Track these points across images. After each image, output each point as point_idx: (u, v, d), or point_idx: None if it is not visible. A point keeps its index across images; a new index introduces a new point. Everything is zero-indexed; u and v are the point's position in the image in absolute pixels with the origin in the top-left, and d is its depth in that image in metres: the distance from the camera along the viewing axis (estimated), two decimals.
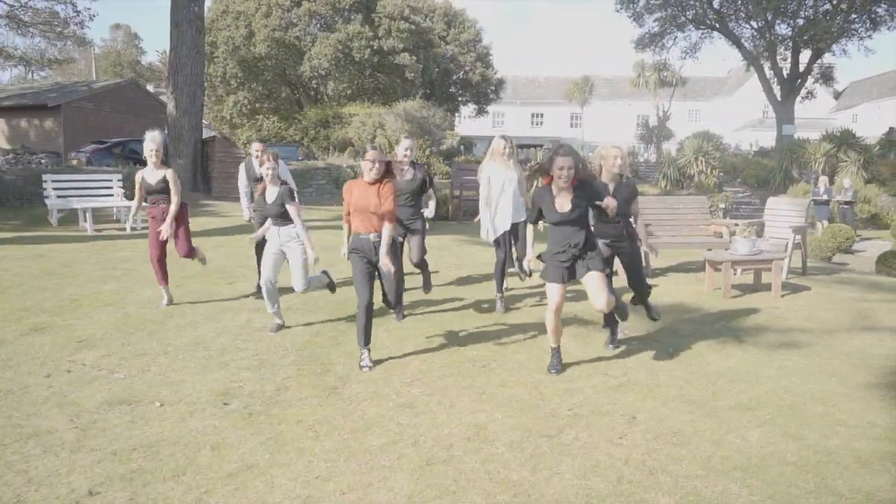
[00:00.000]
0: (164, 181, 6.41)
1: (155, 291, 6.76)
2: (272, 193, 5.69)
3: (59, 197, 12.47)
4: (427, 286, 6.72)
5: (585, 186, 4.76)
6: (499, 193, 6.57)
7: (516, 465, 3.44)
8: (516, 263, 7.06)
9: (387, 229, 4.87)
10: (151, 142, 6.39)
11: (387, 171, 4.97)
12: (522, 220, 6.65)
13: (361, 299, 4.89)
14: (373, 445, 3.65)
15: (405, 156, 6.35)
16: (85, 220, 11.78)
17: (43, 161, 20.66)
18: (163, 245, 6.46)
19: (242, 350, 5.29)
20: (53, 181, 12.68)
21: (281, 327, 5.87)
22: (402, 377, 4.73)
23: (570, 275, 4.79)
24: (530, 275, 6.56)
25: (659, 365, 5.12)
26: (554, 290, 4.79)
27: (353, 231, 5.01)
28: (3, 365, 4.80)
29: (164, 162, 6.50)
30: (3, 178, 14.36)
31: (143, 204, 6.60)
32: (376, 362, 5.00)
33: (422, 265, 6.59)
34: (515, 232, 6.81)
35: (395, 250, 5.20)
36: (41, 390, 4.34)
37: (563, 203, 4.71)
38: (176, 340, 5.51)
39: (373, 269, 4.99)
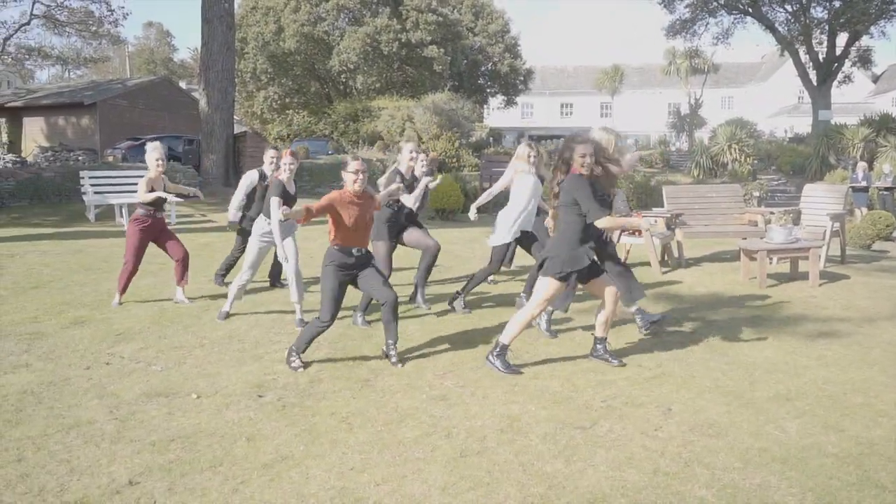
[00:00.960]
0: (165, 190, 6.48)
1: (191, 284, 6.81)
2: (292, 187, 5.98)
3: (95, 193, 12.72)
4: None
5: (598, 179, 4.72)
6: (518, 201, 6.14)
7: (550, 457, 3.42)
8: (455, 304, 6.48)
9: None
10: (155, 150, 6.34)
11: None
12: (530, 229, 6.23)
13: (325, 315, 4.66)
14: (406, 437, 3.66)
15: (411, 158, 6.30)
16: (121, 216, 12.01)
17: (80, 158, 21.11)
18: (141, 258, 6.47)
19: (276, 343, 5.35)
20: (90, 177, 12.94)
21: (303, 322, 5.75)
22: (434, 369, 4.74)
23: (583, 274, 4.66)
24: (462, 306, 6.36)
25: (693, 356, 5.05)
26: (556, 288, 4.62)
27: (341, 244, 4.72)
28: (44, 357, 4.92)
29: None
30: (43, 175, 14.69)
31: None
32: (407, 352, 5.01)
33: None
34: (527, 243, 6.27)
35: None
36: (81, 382, 4.44)
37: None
38: (211, 333, 5.58)
39: (346, 288, 4.82)
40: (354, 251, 4.75)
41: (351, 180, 4.73)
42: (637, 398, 4.21)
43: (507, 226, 6.11)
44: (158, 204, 6.45)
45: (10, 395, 4.19)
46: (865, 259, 9.69)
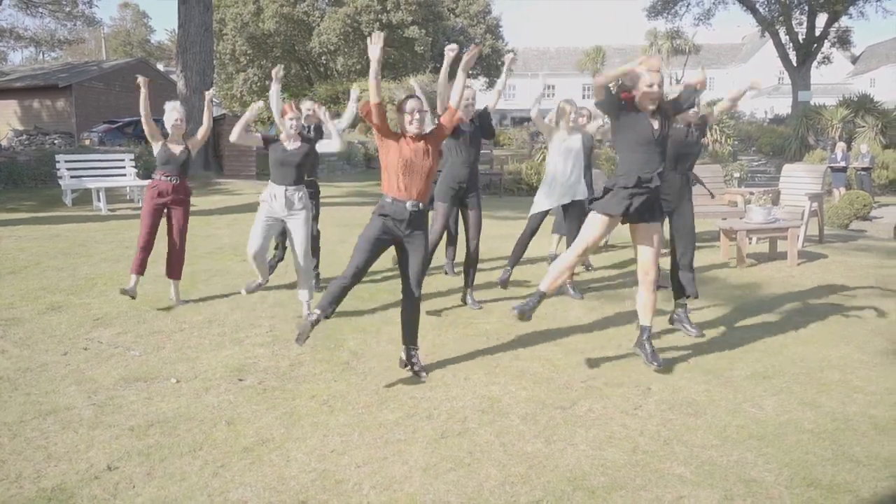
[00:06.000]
0: (187, 152, 5.84)
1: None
2: (293, 144, 5.39)
3: (72, 177, 12.52)
4: (470, 287, 5.84)
5: (665, 105, 4.24)
6: (556, 165, 6.05)
7: (531, 437, 3.44)
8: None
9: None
10: (175, 111, 5.80)
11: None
12: (582, 198, 5.91)
13: (348, 269, 4.01)
14: (387, 419, 3.66)
15: (469, 104, 5.63)
16: (99, 200, 11.84)
17: (56, 141, 20.78)
18: (156, 228, 5.84)
19: (256, 326, 5.31)
20: (67, 161, 12.72)
21: (260, 286, 5.56)
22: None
23: (628, 212, 4.15)
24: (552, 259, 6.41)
25: (672, 335, 5.09)
26: (600, 223, 4.21)
27: (389, 192, 4.07)
28: (21, 343, 4.85)
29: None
30: (18, 159, 14.44)
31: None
32: (389, 334, 5.00)
33: (476, 256, 5.81)
34: (576, 216, 5.88)
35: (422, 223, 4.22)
36: (59, 368, 4.39)
37: (653, 120, 4.14)
38: (190, 317, 5.54)
39: (386, 248, 4.20)
40: (409, 205, 4.04)
41: (406, 121, 4.06)
42: (617, 378, 4.24)
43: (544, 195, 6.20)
44: (169, 164, 5.81)
45: None
46: (843, 238, 9.80)
